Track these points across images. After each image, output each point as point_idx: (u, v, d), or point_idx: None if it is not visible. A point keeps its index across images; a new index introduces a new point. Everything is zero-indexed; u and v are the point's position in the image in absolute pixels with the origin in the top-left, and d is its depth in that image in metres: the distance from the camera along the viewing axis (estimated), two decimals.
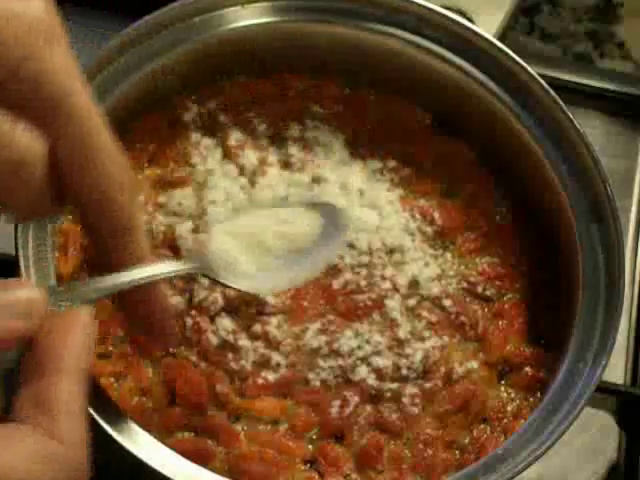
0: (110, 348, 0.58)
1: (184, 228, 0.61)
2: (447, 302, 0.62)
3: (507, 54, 0.65)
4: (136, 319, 0.45)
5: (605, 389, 0.68)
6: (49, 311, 0.37)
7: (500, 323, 0.63)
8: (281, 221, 0.52)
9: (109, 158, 0.39)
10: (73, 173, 0.39)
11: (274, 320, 0.60)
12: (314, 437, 0.58)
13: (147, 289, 0.44)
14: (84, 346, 0.37)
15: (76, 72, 0.38)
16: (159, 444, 0.52)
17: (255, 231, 0.51)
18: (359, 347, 0.59)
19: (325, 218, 0.53)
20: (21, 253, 0.54)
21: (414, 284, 0.62)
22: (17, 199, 0.38)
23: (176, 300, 0.59)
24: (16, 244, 0.54)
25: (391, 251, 0.63)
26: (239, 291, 0.52)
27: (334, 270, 0.61)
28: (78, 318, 0.38)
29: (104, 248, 0.42)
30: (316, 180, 0.65)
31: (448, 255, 0.65)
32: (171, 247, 0.61)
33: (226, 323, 0.59)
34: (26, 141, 0.37)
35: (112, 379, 0.57)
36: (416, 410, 0.59)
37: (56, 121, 0.38)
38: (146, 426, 0.53)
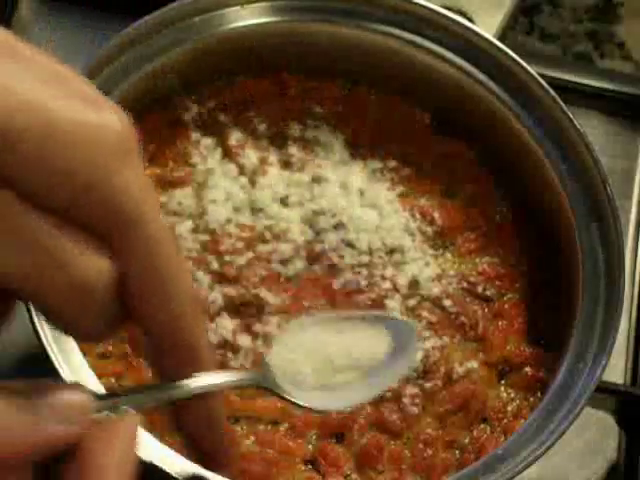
0: (110, 348, 0.58)
1: (184, 228, 0.61)
2: (447, 302, 0.62)
3: (507, 54, 0.65)
4: (191, 438, 0.42)
5: (605, 389, 0.68)
6: (94, 418, 0.35)
7: (500, 323, 0.63)
8: (346, 336, 0.49)
9: (180, 282, 0.37)
10: (142, 295, 0.36)
11: (274, 320, 0.59)
12: (314, 437, 0.58)
13: (201, 403, 0.41)
14: (129, 458, 0.35)
15: (149, 189, 0.36)
16: (159, 443, 0.52)
17: (320, 345, 0.48)
18: None
19: (392, 336, 0.49)
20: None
21: (414, 284, 0.62)
22: (79, 322, 0.36)
23: None
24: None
25: (391, 251, 0.63)
26: (301, 407, 0.47)
27: (334, 270, 0.61)
28: (124, 428, 0.35)
29: (165, 364, 0.39)
30: (316, 180, 0.65)
31: (448, 255, 0.65)
32: None
33: (226, 323, 0.59)
34: (93, 263, 0.35)
35: (112, 379, 0.57)
36: (416, 410, 0.59)
37: (127, 242, 0.35)
38: (146, 425, 0.53)
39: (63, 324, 0.36)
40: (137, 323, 0.37)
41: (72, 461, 0.34)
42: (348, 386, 0.46)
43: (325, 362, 0.46)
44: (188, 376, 0.39)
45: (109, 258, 0.35)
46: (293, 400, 0.46)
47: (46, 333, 0.52)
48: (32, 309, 0.52)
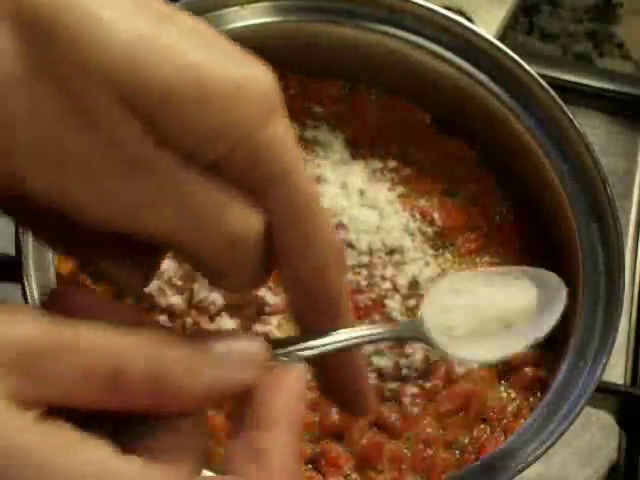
0: None
1: None
2: None
3: (507, 54, 0.65)
4: (333, 384, 0.43)
5: (605, 389, 0.68)
6: (267, 365, 0.36)
7: None
8: (495, 289, 0.49)
9: (323, 234, 0.37)
10: (287, 248, 0.37)
11: (274, 320, 0.59)
12: (314, 437, 0.58)
13: (350, 354, 0.42)
14: (300, 401, 0.36)
15: (294, 144, 0.36)
16: None
17: (471, 297, 0.48)
18: None
19: (539, 288, 0.50)
20: (23, 253, 0.54)
21: (414, 284, 0.62)
22: (229, 274, 0.37)
23: (176, 300, 0.59)
24: (17, 244, 0.54)
25: (391, 251, 0.63)
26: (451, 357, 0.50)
27: None
28: (294, 373, 0.36)
29: (308, 317, 0.40)
30: (316, 180, 0.65)
31: (448, 255, 0.65)
32: None
33: (226, 323, 0.59)
34: (244, 216, 0.36)
35: None
36: (416, 410, 0.59)
37: (272, 196, 0.36)
38: None
39: (213, 276, 0.37)
40: (281, 276, 0.38)
41: (245, 404, 0.35)
42: (495, 338, 0.48)
43: (475, 313, 0.47)
44: (329, 321, 0.39)
45: (258, 211, 0.36)
46: (446, 351, 0.47)
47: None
48: (27, 293, 0.53)
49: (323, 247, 0.37)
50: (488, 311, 0.48)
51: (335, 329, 0.40)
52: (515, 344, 0.49)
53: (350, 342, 0.40)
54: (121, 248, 0.37)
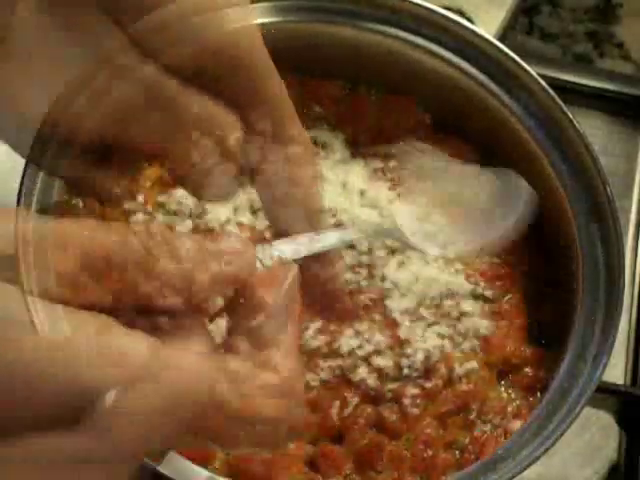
0: None
1: (184, 227, 0.61)
2: (447, 302, 0.62)
3: (507, 54, 0.65)
4: (314, 287, 0.46)
5: (605, 389, 0.68)
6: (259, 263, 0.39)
7: (500, 323, 0.63)
8: (457, 184, 0.53)
9: (299, 145, 0.42)
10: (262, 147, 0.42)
11: None
12: (314, 438, 0.58)
13: (327, 258, 0.46)
14: (294, 288, 0.38)
15: (268, 57, 0.42)
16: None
17: (436, 194, 0.53)
18: (359, 347, 0.59)
19: (502, 183, 0.54)
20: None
21: (414, 284, 0.62)
22: (211, 179, 0.41)
23: (175, 300, 0.59)
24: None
25: (391, 251, 0.63)
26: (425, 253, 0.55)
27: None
28: (286, 267, 0.39)
29: (281, 217, 0.45)
30: None
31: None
32: None
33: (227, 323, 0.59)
34: (225, 119, 0.40)
35: None
36: (416, 410, 0.59)
37: (250, 106, 0.41)
38: None
39: (196, 186, 0.41)
40: (256, 180, 0.43)
41: (242, 295, 0.38)
42: (463, 230, 0.53)
43: (440, 209, 0.51)
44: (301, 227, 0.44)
45: (237, 116, 0.41)
46: (419, 248, 0.53)
47: None
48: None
49: (293, 137, 0.42)
50: (447, 201, 0.53)
51: (313, 223, 0.44)
52: (471, 241, 0.51)
53: (335, 242, 0.44)
54: (106, 161, 0.41)
